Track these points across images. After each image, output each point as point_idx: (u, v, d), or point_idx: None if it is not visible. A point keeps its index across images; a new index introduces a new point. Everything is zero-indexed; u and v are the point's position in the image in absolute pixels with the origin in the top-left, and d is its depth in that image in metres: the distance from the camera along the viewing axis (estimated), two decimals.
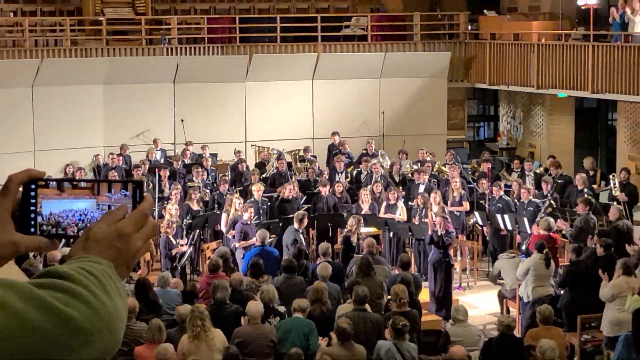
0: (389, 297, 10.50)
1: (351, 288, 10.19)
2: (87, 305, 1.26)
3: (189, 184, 16.86)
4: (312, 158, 19.21)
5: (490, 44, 21.46)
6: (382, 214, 15.24)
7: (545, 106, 22.63)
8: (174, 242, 13.76)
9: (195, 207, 15.25)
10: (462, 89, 23.37)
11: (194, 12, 23.31)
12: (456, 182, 15.90)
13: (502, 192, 15.51)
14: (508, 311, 12.75)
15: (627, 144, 20.38)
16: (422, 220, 14.60)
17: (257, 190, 15.25)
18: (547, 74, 19.56)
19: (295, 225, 13.52)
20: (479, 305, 13.89)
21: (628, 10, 18.18)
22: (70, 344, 1.23)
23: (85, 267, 1.33)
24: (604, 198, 16.25)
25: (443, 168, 18.03)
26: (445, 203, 15.36)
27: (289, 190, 15.62)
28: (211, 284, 10.33)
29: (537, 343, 9.06)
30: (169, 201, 15.11)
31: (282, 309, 10.07)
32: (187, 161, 18.80)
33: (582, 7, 20.52)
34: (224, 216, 14.70)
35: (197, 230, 14.65)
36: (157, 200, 15.59)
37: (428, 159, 18.50)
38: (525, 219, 14.33)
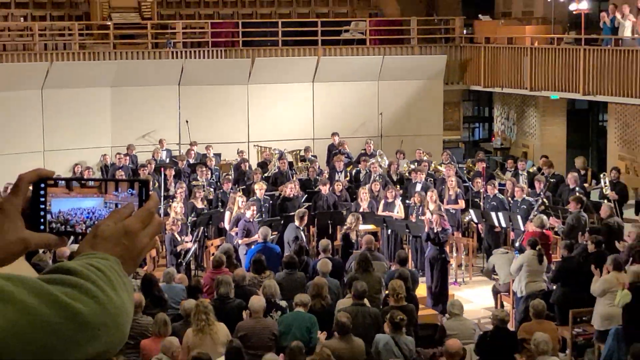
0: (386, 292, 10.50)
1: (350, 283, 10.19)
2: (95, 300, 1.26)
3: (194, 182, 16.85)
4: (312, 158, 19.20)
5: (485, 47, 21.44)
6: (380, 212, 15.24)
7: (538, 107, 22.62)
8: (179, 239, 13.76)
9: (199, 205, 15.25)
10: (458, 91, 23.36)
11: (199, 17, 23.30)
12: (452, 181, 15.89)
13: (496, 191, 15.51)
14: (502, 306, 12.75)
15: (617, 144, 20.38)
16: (419, 217, 14.59)
17: (260, 188, 15.26)
18: (540, 77, 19.55)
19: (296, 223, 13.52)
20: (474, 300, 13.89)
21: (618, 15, 18.18)
22: (78, 338, 1.23)
23: (93, 263, 1.33)
24: (595, 196, 16.24)
25: (439, 167, 18.02)
26: (442, 201, 15.37)
27: (290, 189, 15.62)
28: (215, 280, 10.33)
29: (530, 336, 9.06)
30: (174, 199, 15.11)
31: (283, 303, 10.07)
32: (191, 161, 18.79)
33: (574, 12, 20.50)
34: (227, 214, 14.71)
35: (202, 228, 14.65)
36: (162, 198, 15.58)
37: (425, 158, 18.49)
38: (519, 217, 14.33)
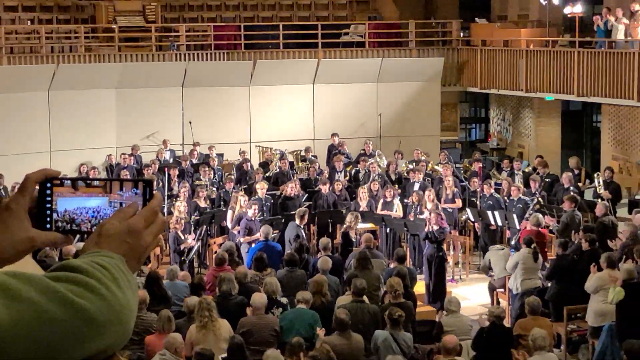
0: (385, 289, 10.50)
1: (350, 280, 10.19)
2: (100, 298, 1.26)
3: (197, 182, 16.85)
4: (312, 158, 19.20)
5: (482, 50, 21.44)
6: (379, 211, 15.23)
7: (533, 109, 22.62)
8: (182, 237, 13.76)
9: (202, 204, 15.25)
10: (455, 92, 23.36)
11: (202, 20, 23.30)
12: (449, 180, 15.89)
13: (492, 190, 15.51)
14: (498, 302, 12.74)
15: (611, 144, 20.38)
16: (417, 216, 14.59)
17: (261, 188, 15.25)
18: (535, 79, 19.54)
19: (297, 222, 13.52)
20: (471, 297, 13.88)
21: (612, 18, 18.17)
22: (84, 334, 1.23)
23: (98, 261, 1.32)
24: (588, 195, 16.25)
25: (437, 167, 18.02)
26: (439, 200, 15.36)
27: (291, 188, 15.61)
28: (217, 277, 10.33)
29: (526, 332, 9.07)
30: (178, 199, 15.11)
31: (284, 300, 10.07)
32: (194, 161, 18.79)
33: (568, 15, 20.52)
34: (229, 213, 14.71)
35: (204, 226, 14.65)
36: (166, 197, 15.58)
37: (422, 158, 18.48)
38: (515, 215, 14.33)
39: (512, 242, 13.94)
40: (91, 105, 19.72)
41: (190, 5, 23.86)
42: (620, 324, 9.84)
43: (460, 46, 22.35)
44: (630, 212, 14.98)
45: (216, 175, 17.76)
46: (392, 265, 11.91)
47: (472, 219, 15.50)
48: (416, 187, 16.07)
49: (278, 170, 17.81)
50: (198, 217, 14.71)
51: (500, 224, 14.74)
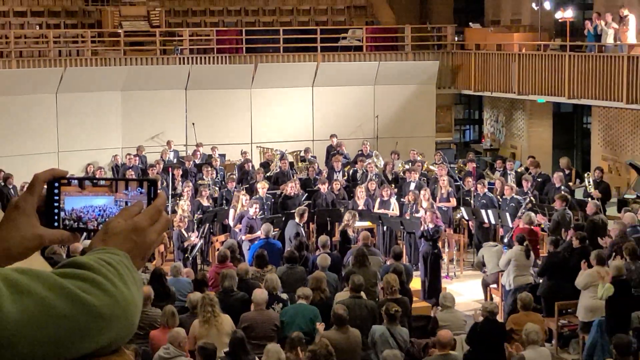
0: (382, 285, 10.49)
1: (348, 277, 10.18)
2: (106, 293, 1.26)
3: (200, 182, 16.85)
4: (312, 158, 19.20)
5: (475, 53, 21.45)
6: (376, 210, 15.23)
7: (525, 111, 22.62)
8: (185, 235, 13.76)
9: (205, 203, 15.25)
10: (450, 94, 23.35)
11: (204, 25, 23.30)
12: (444, 180, 15.89)
13: (486, 189, 15.50)
14: (491, 298, 12.75)
15: (601, 145, 20.39)
16: (413, 215, 14.59)
17: (262, 187, 15.25)
18: (527, 81, 19.54)
19: (297, 220, 13.52)
20: (465, 293, 13.88)
21: (602, 23, 18.18)
22: (90, 329, 1.23)
23: (104, 258, 1.32)
24: (579, 195, 16.25)
25: (432, 167, 18.02)
26: (434, 199, 15.36)
27: (291, 188, 15.61)
28: (220, 273, 10.33)
29: (518, 327, 9.07)
30: (181, 198, 15.11)
31: (284, 296, 10.07)
32: (197, 161, 18.79)
33: (560, 20, 20.52)
34: (231, 211, 14.70)
35: (207, 224, 14.65)
36: (170, 197, 15.58)
37: (418, 159, 18.49)
38: (507, 214, 14.33)
39: (505, 240, 13.94)
40: (97, 108, 19.71)
41: (193, 11, 23.86)
42: (609, 319, 9.85)
43: (455, 50, 22.35)
44: (619, 211, 14.98)
45: (218, 175, 17.76)
46: (388, 262, 11.90)
47: (466, 218, 15.50)
48: (412, 186, 16.06)
49: (278, 170, 17.81)
50: (201, 216, 14.72)
51: (493, 222, 14.74)
